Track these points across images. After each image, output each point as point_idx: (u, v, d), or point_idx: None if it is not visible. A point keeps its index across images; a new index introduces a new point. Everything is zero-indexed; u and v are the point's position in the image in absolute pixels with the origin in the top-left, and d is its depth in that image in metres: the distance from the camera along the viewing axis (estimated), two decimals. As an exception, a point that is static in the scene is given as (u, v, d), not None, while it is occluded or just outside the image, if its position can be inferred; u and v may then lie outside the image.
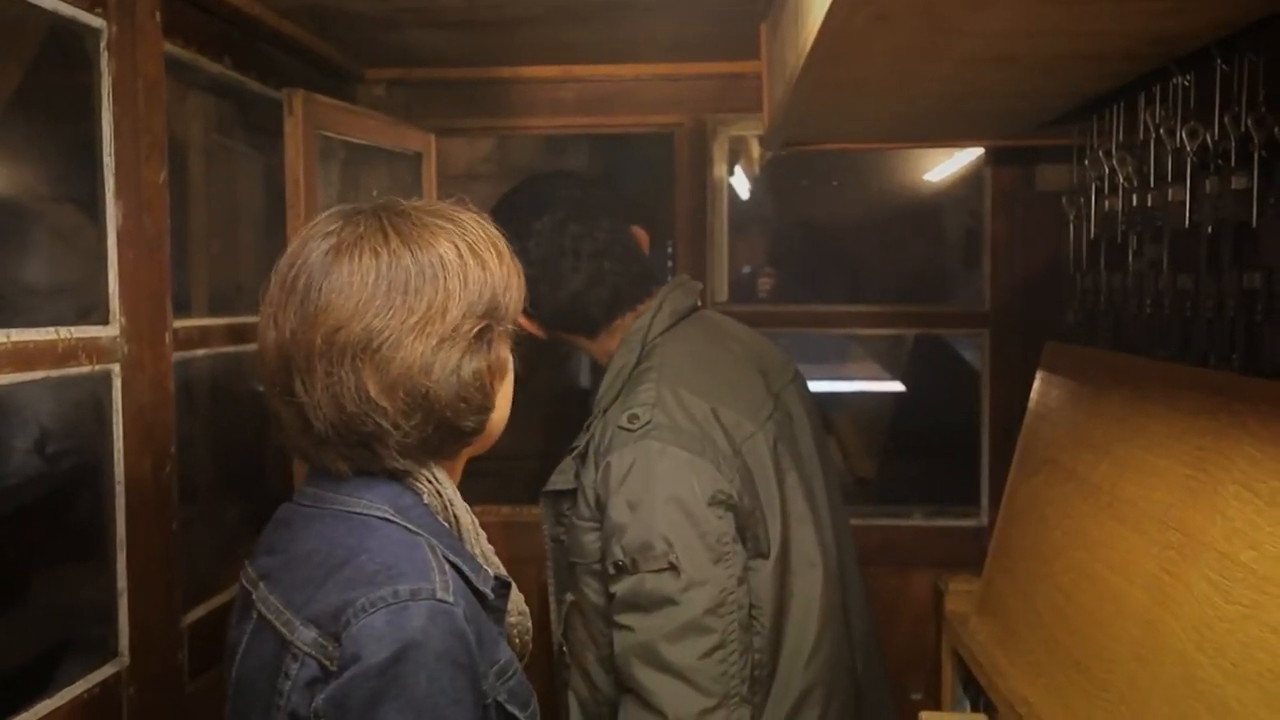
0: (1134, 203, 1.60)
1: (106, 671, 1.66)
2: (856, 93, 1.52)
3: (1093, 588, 1.47)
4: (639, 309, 1.89)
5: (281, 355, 1.10)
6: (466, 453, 1.21)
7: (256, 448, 2.40)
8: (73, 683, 1.58)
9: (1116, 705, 1.32)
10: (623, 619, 1.66)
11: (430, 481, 1.14)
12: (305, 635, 1.02)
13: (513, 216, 1.82)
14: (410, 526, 1.09)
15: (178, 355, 1.85)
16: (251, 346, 2.12)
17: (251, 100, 2.23)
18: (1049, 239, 2.38)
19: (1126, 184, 1.65)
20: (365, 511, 1.10)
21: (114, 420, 1.68)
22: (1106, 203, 1.72)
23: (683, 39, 2.31)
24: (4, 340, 1.43)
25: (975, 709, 1.96)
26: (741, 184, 4.15)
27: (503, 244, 1.17)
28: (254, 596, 1.13)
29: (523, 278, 1.19)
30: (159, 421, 1.78)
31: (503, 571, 1.18)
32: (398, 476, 1.12)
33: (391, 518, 1.09)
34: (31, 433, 1.84)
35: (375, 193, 2.60)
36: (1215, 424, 1.25)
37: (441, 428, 1.10)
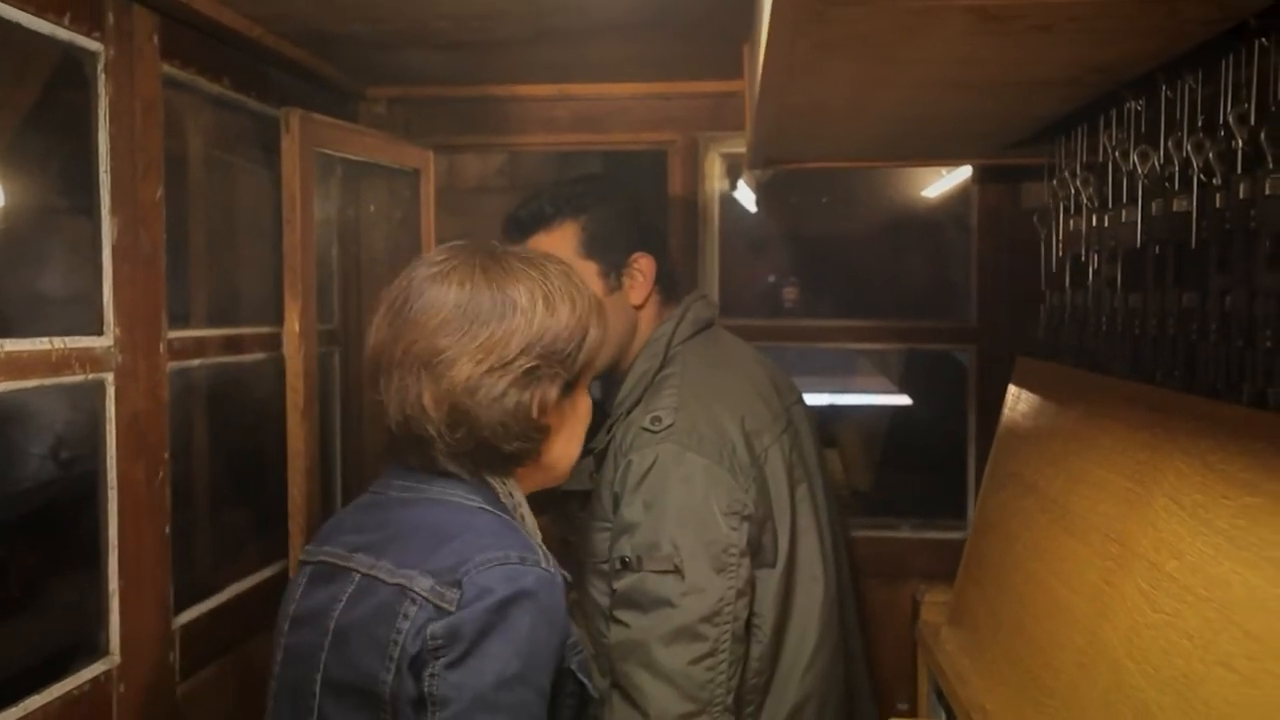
0: (1094, 222, 1.64)
1: (97, 669, 1.72)
2: (820, 115, 1.57)
3: (1045, 598, 1.50)
4: (665, 313, 1.96)
5: (373, 358, 1.29)
6: (525, 475, 1.35)
7: (256, 455, 2.46)
8: (62, 679, 1.65)
9: (1060, 711, 1.35)
10: (620, 615, 1.70)
11: (503, 484, 1.31)
12: (423, 583, 1.16)
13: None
14: (504, 516, 1.27)
15: (173, 365, 1.92)
16: (247, 357, 2.21)
17: (254, 117, 2.30)
18: (1035, 256, 2.42)
19: (1089, 204, 1.69)
20: (464, 500, 1.26)
21: (107, 427, 1.75)
22: (1071, 222, 1.76)
23: (673, 59, 2.37)
24: (-2, 350, 1.50)
25: (951, 718, 1.99)
26: (748, 199, 4.19)
27: (583, 300, 1.31)
28: (350, 564, 1.25)
29: (603, 330, 1.34)
30: (153, 429, 1.84)
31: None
32: (478, 479, 1.29)
33: (487, 508, 1.26)
34: (29, 438, 1.91)
35: (372, 208, 2.67)
36: (1152, 439, 1.28)
37: (484, 445, 1.25)
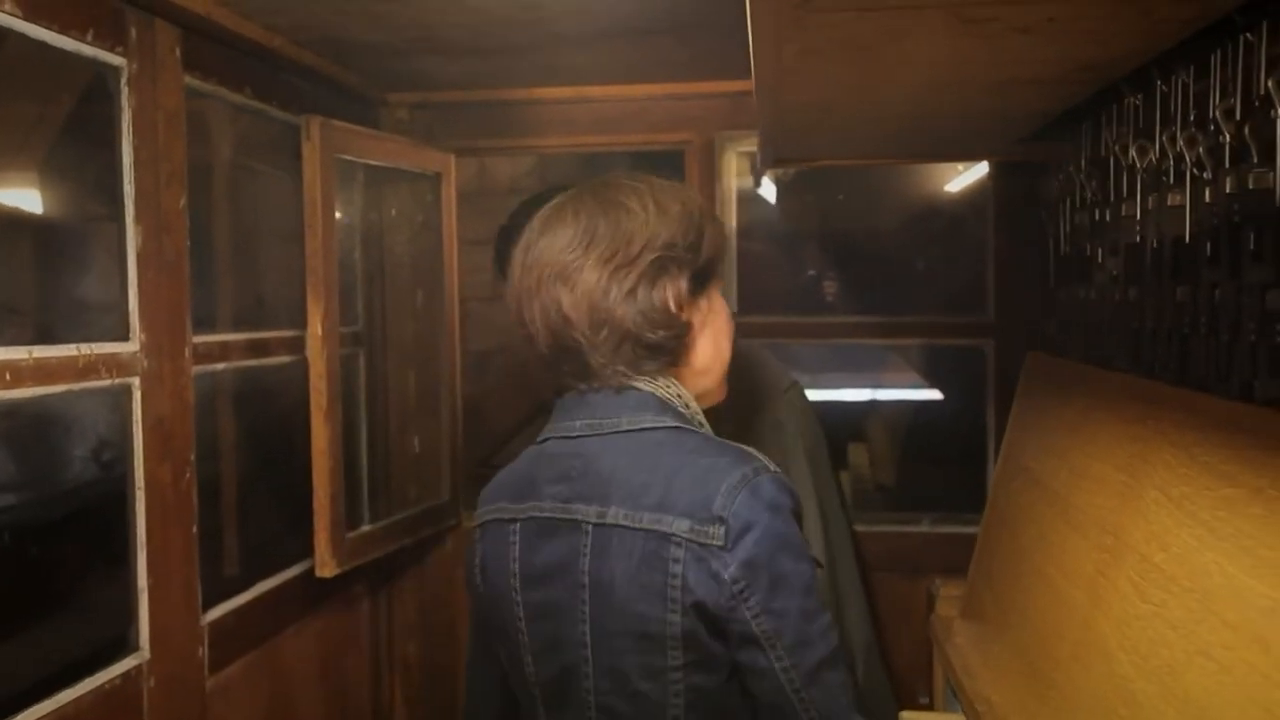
0: (1096, 217, 1.65)
1: (128, 664, 1.77)
2: (818, 115, 1.59)
3: (1048, 590, 1.52)
4: None
5: (515, 296, 1.35)
6: (686, 380, 1.36)
7: (282, 456, 2.52)
8: (94, 673, 1.71)
9: (1059, 703, 1.37)
10: None
11: (678, 395, 1.33)
12: (680, 525, 1.20)
13: (527, 222, 1.92)
14: (695, 429, 1.31)
15: (198, 369, 1.97)
16: (272, 360, 2.26)
17: (277, 124, 2.35)
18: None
19: (1092, 199, 1.69)
20: (655, 425, 1.28)
21: (134, 430, 1.80)
22: (1076, 217, 1.77)
23: (687, 60, 2.38)
24: (26, 356, 1.56)
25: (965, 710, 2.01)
26: (773, 196, 4.21)
27: (691, 199, 1.37)
28: (572, 515, 1.28)
29: (721, 230, 1.39)
30: (178, 431, 1.90)
31: None
32: (635, 388, 1.31)
33: (681, 425, 1.29)
34: (61, 441, 1.97)
35: (395, 212, 2.72)
36: (1145, 431, 1.30)
37: (629, 339, 1.28)
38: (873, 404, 4.71)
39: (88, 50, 1.70)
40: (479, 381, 3.88)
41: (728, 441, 1.29)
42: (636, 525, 1.23)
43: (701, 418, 1.35)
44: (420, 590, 2.87)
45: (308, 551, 2.28)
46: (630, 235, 1.28)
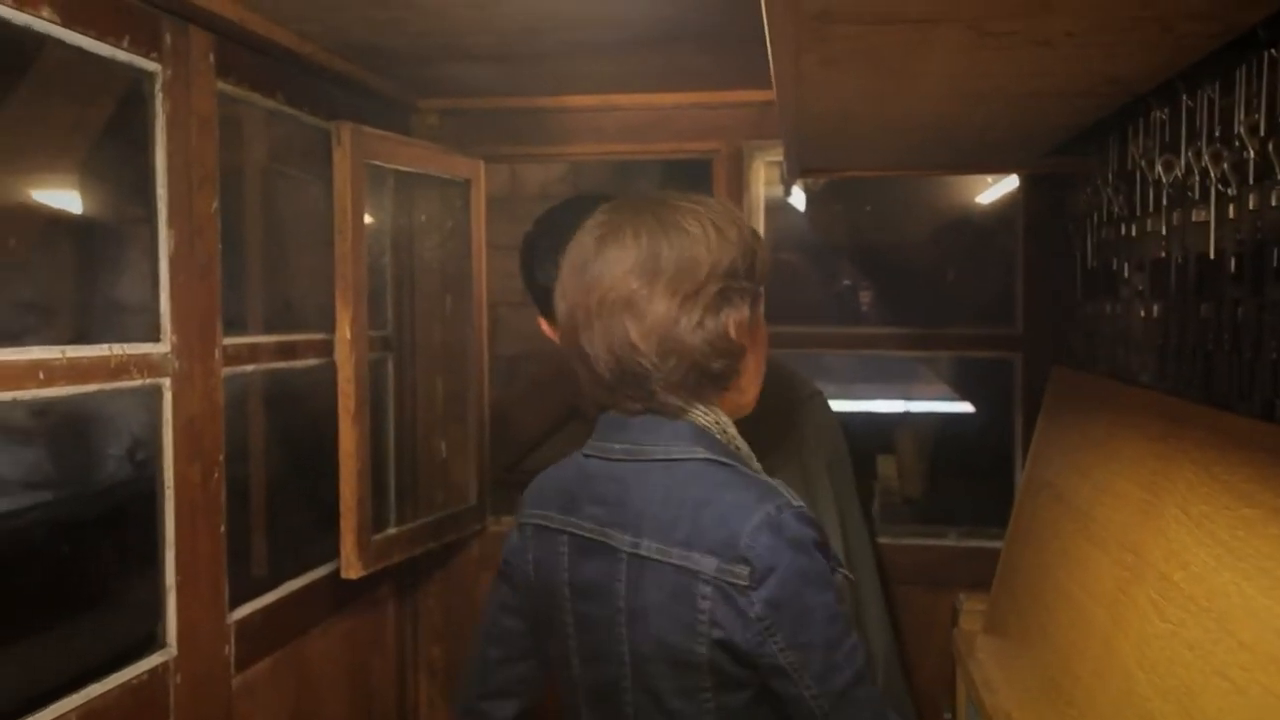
0: (1122, 232, 1.64)
1: (155, 661, 1.80)
2: (839, 125, 1.59)
3: (1069, 607, 1.51)
4: None
5: (569, 316, 1.34)
6: (725, 402, 1.37)
7: (310, 458, 2.54)
8: (121, 669, 1.73)
9: (1077, 720, 1.36)
10: None
11: (716, 421, 1.34)
12: (707, 564, 1.22)
13: (550, 230, 1.92)
14: (726, 461, 1.30)
15: (228, 370, 2.00)
16: (301, 362, 2.29)
17: (309, 130, 2.38)
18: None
19: (1119, 213, 1.68)
20: (686, 456, 1.30)
21: (164, 430, 1.83)
22: (1103, 231, 1.75)
23: (714, 69, 2.39)
24: (60, 356, 1.59)
25: (987, 726, 1.99)
26: (803, 205, 4.21)
27: (743, 221, 1.38)
28: (608, 540, 1.32)
29: (766, 250, 1.39)
30: (208, 432, 1.92)
31: None
32: (687, 419, 1.32)
33: (713, 458, 1.30)
34: (94, 440, 2.00)
35: (424, 217, 2.74)
36: (1166, 449, 1.29)
37: (695, 369, 1.29)
38: (905, 416, 4.69)
39: (122, 56, 1.73)
40: (507, 387, 3.91)
41: (755, 475, 1.30)
42: (666, 560, 1.25)
43: (739, 441, 1.36)
44: (446, 594, 2.89)
45: (334, 553, 2.30)
46: (695, 262, 1.28)
